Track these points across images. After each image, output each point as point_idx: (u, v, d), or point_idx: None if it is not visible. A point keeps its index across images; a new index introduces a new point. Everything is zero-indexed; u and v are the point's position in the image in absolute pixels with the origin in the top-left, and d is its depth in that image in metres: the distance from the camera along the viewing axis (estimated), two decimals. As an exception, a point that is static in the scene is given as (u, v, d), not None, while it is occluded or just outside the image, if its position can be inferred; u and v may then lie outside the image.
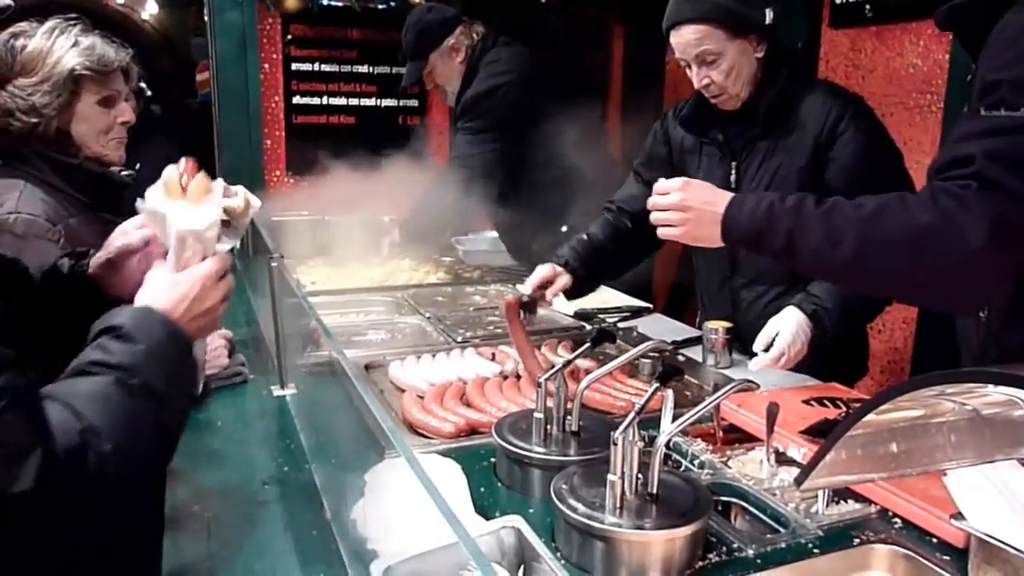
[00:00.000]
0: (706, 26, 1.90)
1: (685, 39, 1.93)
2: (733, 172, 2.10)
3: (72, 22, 1.75)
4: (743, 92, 2.00)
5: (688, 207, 1.51)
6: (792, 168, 2.00)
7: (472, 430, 1.71)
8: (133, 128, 3.34)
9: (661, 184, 1.57)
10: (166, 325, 1.12)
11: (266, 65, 3.81)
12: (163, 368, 1.07)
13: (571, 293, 2.27)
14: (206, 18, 3.88)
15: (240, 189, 2.06)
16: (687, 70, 2.01)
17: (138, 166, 3.46)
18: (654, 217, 1.57)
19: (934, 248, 1.23)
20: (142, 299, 1.17)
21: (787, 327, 1.88)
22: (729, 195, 1.49)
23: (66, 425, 0.90)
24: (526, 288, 2.17)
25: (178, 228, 1.25)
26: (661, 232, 1.57)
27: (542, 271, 2.20)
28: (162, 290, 1.18)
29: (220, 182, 2.08)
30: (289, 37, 3.81)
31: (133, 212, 2.04)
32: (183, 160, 1.32)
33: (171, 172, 1.30)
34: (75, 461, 0.89)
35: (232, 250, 2.30)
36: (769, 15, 1.94)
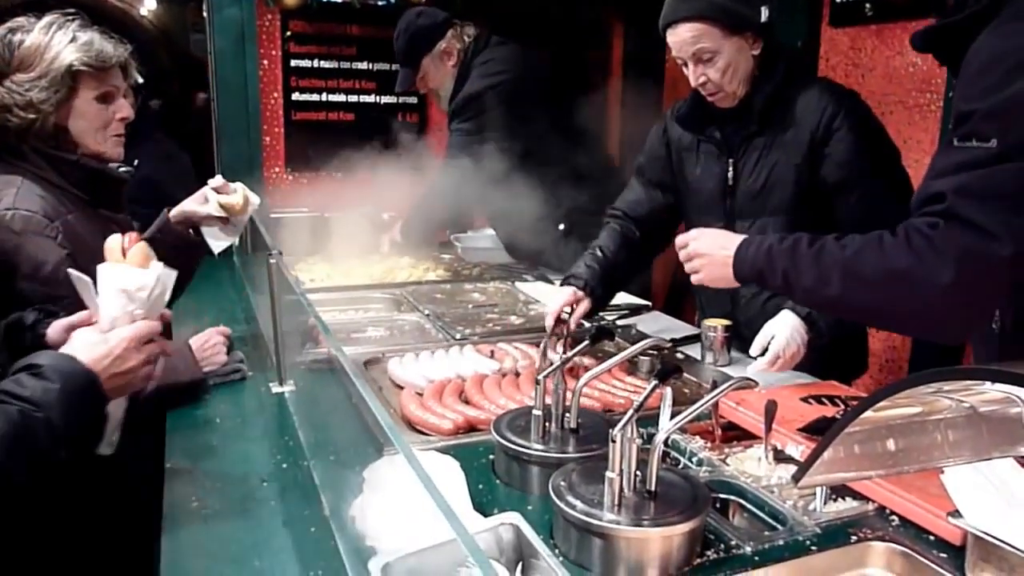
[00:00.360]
0: (702, 24, 1.90)
1: (681, 37, 1.93)
2: (731, 169, 2.10)
3: (70, 17, 1.74)
4: (739, 90, 2.00)
5: (702, 254, 1.68)
6: (789, 164, 2.01)
7: (471, 427, 1.71)
8: (130, 124, 3.33)
9: (679, 239, 1.77)
10: (85, 375, 1.19)
11: (265, 61, 3.80)
12: (70, 413, 1.14)
13: (588, 315, 2.26)
14: (205, 14, 3.87)
15: (239, 186, 2.07)
16: (684, 68, 2.01)
17: (136, 162, 3.46)
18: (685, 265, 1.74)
19: (908, 289, 1.31)
20: (67, 349, 1.24)
21: (782, 331, 1.89)
22: (739, 239, 1.61)
23: None
24: (548, 320, 2.13)
25: (109, 285, 1.31)
26: (692, 278, 1.73)
27: (563, 297, 2.17)
28: (88, 343, 1.25)
29: (219, 179, 2.08)
30: (288, 33, 3.80)
31: (131, 209, 2.04)
32: (130, 234, 1.39)
33: (115, 240, 1.36)
34: None
35: (230, 248, 2.31)
36: (765, 13, 1.94)
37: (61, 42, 1.70)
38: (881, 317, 1.46)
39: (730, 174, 2.11)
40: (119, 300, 1.31)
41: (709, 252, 1.66)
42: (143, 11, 11.16)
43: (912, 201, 1.36)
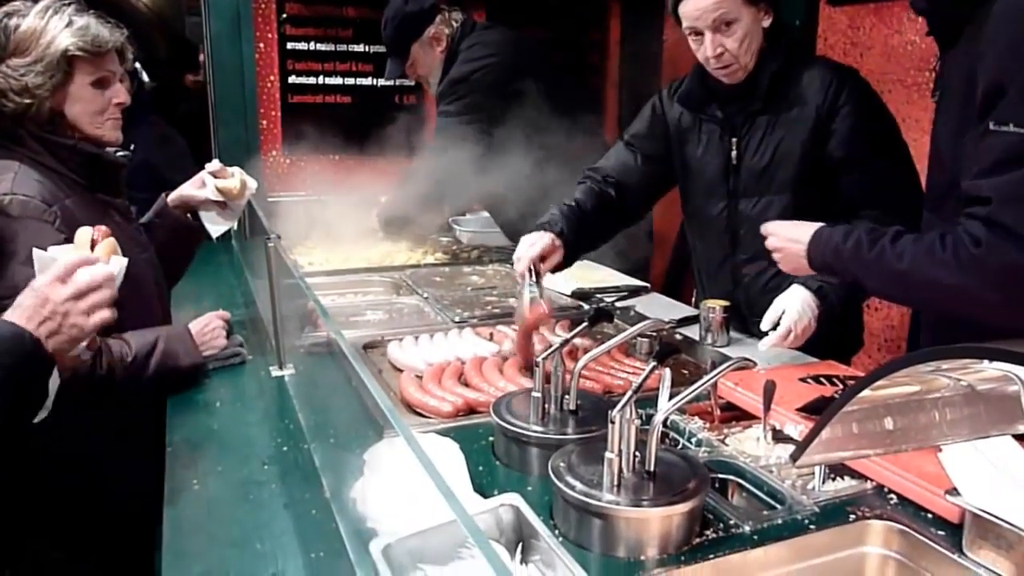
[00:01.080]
0: None
1: (703, 4, 1.89)
2: (734, 149, 2.10)
3: (66, 2, 1.73)
4: (751, 63, 1.99)
5: (779, 248, 1.76)
6: (795, 142, 2.00)
7: (470, 410, 1.72)
8: (126, 109, 3.31)
9: (763, 228, 1.82)
10: (13, 331, 1.18)
11: (261, 44, 3.77)
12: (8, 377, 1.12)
13: (559, 266, 2.20)
14: (200, -3, 3.85)
15: (236, 170, 2.06)
16: (694, 40, 1.97)
17: (132, 147, 3.44)
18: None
19: (962, 303, 1.42)
20: (10, 312, 1.22)
21: (793, 304, 1.89)
22: (810, 232, 1.68)
23: None
24: (520, 266, 2.05)
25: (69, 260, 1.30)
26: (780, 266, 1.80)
27: (543, 243, 2.09)
28: (22, 304, 1.22)
29: (216, 163, 2.07)
30: (284, 16, 3.77)
31: (128, 193, 2.04)
32: (100, 227, 1.40)
33: (84, 233, 1.37)
34: None
35: (228, 232, 2.30)
36: None
37: (57, 26, 1.69)
38: (947, 316, 1.56)
39: (733, 153, 2.10)
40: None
41: (784, 246, 1.73)
42: (138, -6, 11.08)
43: (962, 193, 1.40)
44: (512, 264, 2.14)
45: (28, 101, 1.68)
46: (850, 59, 3.12)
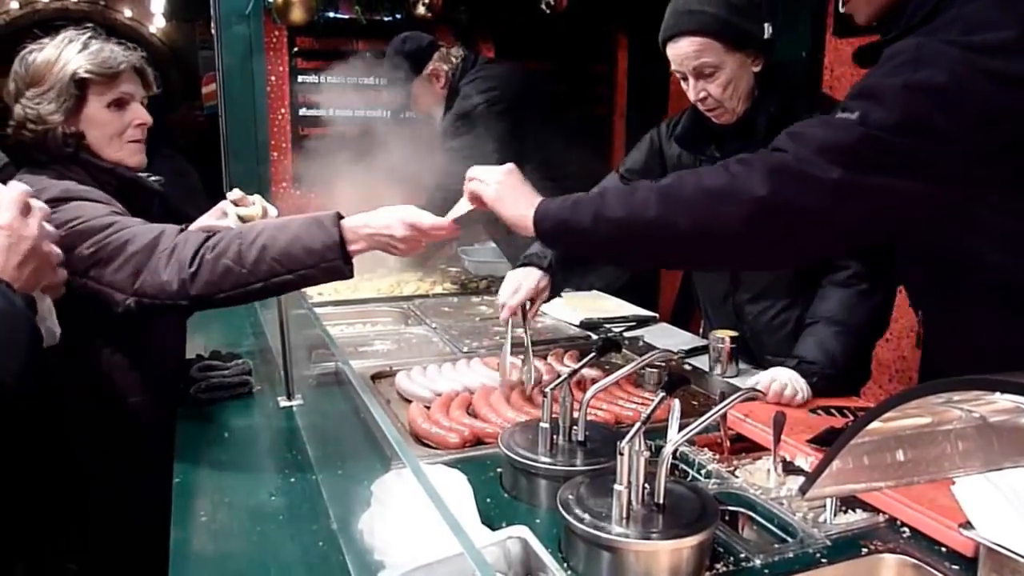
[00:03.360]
0: (705, 39, 1.87)
1: (683, 51, 1.90)
2: None
3: (85, 31, 1.76)
4: (739, 107, 1.97)
5: (514, 185, 1.57)
6: None
7: (477, 440, 1.71)
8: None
9: (469, 172, 1.62)
10: None
11: (272, 77, 3.83)
12: None
13: (547, 299, 2.17)
14: (213, 31, 3.91)
15: (257, 198, 2.07)
16: (682, 82, 1.98)
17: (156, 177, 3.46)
18: (472, 176, 1.61)
19: (723, 204, 1.32)
20: None
21: (780, 376, 1.84)
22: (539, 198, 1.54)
23: None
24: (504, 314, 2.05)
25: None
26: (471, 187, 1.60)
27: (528, 286, 2.06)
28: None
29: (237, 191, 2.08)
30: (295, 49, 3.83)
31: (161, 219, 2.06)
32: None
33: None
34: None
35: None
36: (768, 30, 1.92)
37: (70, 53, 1.71)
38: (695, 241, 1.39)
39: None
40: None
41: (519, 187, 1.58)
42: (152, 28, 11.28)
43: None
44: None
45: (42, 128, 1.70)
46: (856, 90, 3.14)
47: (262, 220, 1.60)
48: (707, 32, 1.87)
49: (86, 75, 1.69)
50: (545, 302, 2.16)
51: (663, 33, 1.95)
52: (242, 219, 2.01)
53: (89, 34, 1.75)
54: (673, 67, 1.96)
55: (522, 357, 1.97)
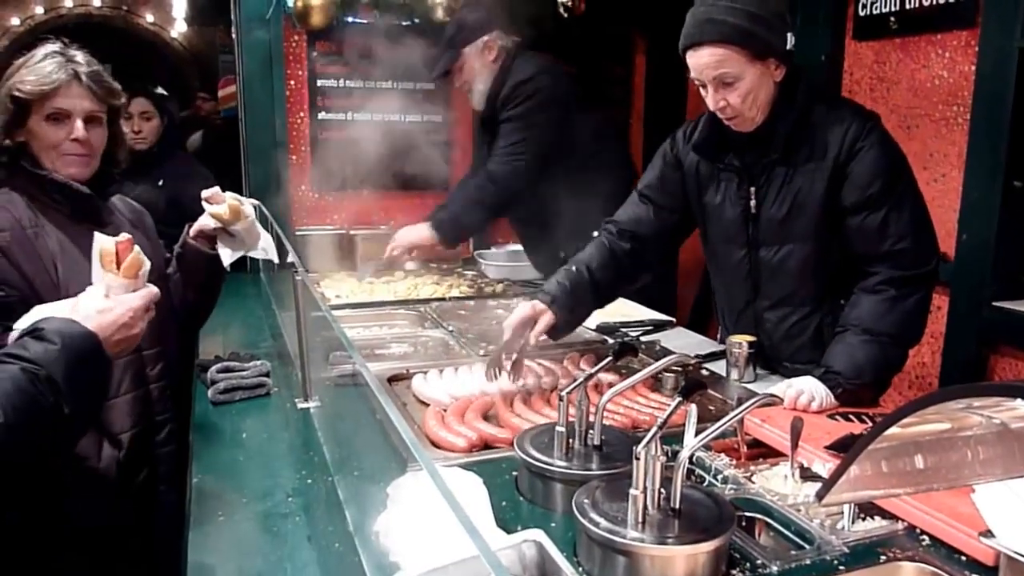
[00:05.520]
0: (726, 49, 1.83)
1: (704, 61, 1.86)
2: (752, 198, 2.04)
3: (59, 43, 1.80)
4: (759, 116, 1.94)
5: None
6: (814, 191, 1.95)
7: (486, 445, 1.71)
8: (159, 145, 3.37)
9: None
10: (88, 338, 1.29)
11: (292, 82, 3.84)
12: (73, 370, 1.23)
13: (551, 333, 2.14)
14: (234, 36, 3.94)
15: (228, 195, 2.07)
16: (702, 90, 1.95)
17: (161, 182, 3.49)
18: None
19: None
20: (73, 314, 1.35)
21: (801, 383, 1.84)
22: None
23: None
24: (506, 333, 2.05)
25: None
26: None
27: (521, 312, 2.07)
28: (95, 310, 1.36)
29: (211, 190, 2.08)
30: (315, 54, 3.85)
31: (159, 229, 2.08)
32: (123, 235, 1.49)
33: (108, 244, 1.46)
34: None
35: (258, 264, 2.31)
36: (791, 40, 1.88)
37: (17, 68, 1.77)
38: None
39: (752, 202, 2.04)
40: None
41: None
42: (174, 33, 11.40)
43: None
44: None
45: None
46: (877, 94, 3.11)
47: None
48: (729, 42, 1.83)
49: (17, 92, 1.74)
50: (556, 334, 2.16)
51: (683, 41, 1.91)
52: (213, 216, 2.03)
53: (52, 48, 1.78)
54: (692, 75, 1.93)
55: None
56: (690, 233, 2.34)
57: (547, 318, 2.08)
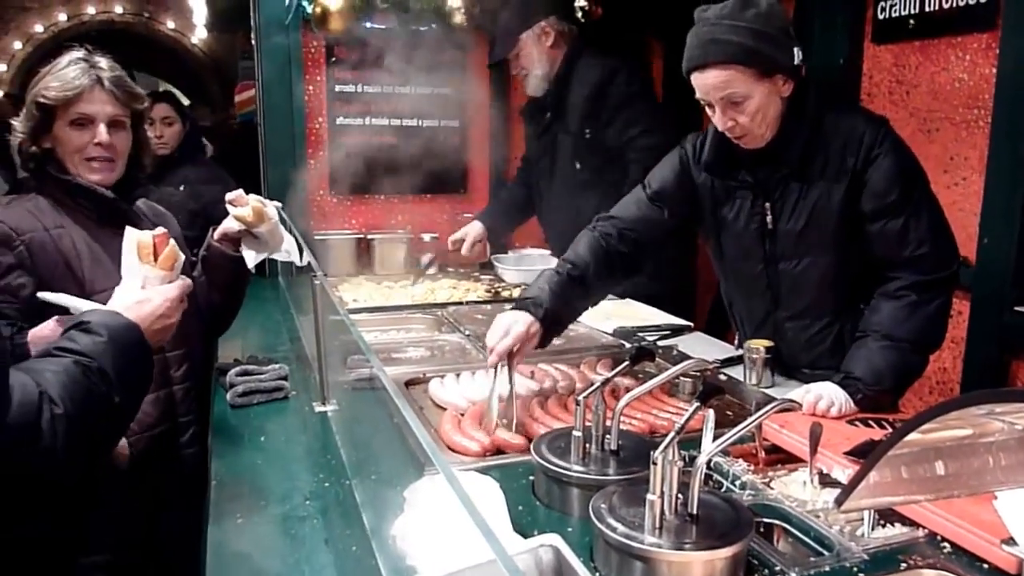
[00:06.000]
0: (732, 69, 1.80)
1: (709, 82, 1.83)
2: (768, 213, 2.02)
3: (86, 50, 1.83)
4: (768, 132, 1.91)
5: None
6: (831, 202, 1.93)
7: (498, 451, 1.71)
8: (180, 149, 3.41)
9: None
10: (128, 327, 1.33)
11: (310, 87, 3.87)
12: (121, 360, 1.26)
13: (537, 344, 1.99)
14: (253, 41, 3.97)
15: (252, 198, 2.08)
16: (708, 110, 1.91)
17: (182, 187, 3.53)
18: None
19: None
20: (112, 305, 1.39)
21: (819, 388, 1.82)
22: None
23: (27, 387, 1.09)
24: (492, 359, 1.88)
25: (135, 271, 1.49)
26: None
27: (517, 332, 1.89)
28: (133, 301, 1.40)
29: (236, 192, 2.11)
30: (333, 59, 3.87)
31: (184, 233, 2.10)
32: (159, 230, 1.54)
33: (146, 237, 1.50)
34: (29, 417, 1.07)
35: (277, 267, 2.31)
36: (798, 54, 1.85)
37: (43, 75, 1.81)
38: None
39: (768, 217, 2.02)
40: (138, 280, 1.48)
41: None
42: (194, 39, 11.51)
43: None
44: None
45: (20, 147, 1.82)
46: (896, 97, 3.09)
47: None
48: (735, 62, 1.80)
49: (42, 99, 1.78)
50: (535, 348, 1.99)
51: (687, 63, 1.87)
52: (237, 219, 2.05)
53: (76, 55, 1.82)
54: (699, 95, 1.89)
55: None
56: (682, 236, 2.33)
57: (532, 343, 1.95)
